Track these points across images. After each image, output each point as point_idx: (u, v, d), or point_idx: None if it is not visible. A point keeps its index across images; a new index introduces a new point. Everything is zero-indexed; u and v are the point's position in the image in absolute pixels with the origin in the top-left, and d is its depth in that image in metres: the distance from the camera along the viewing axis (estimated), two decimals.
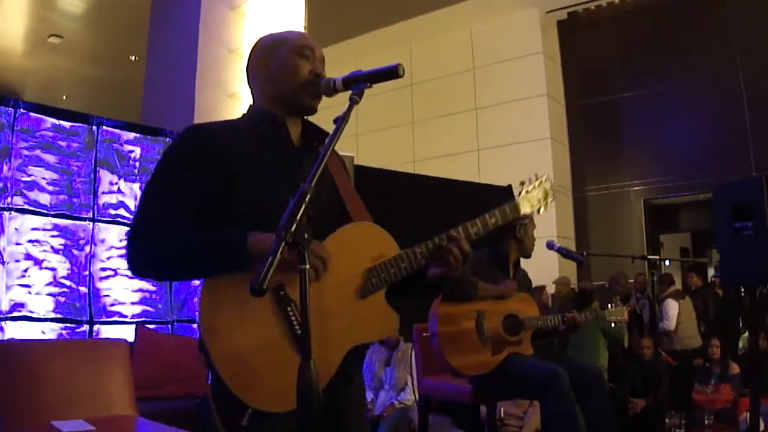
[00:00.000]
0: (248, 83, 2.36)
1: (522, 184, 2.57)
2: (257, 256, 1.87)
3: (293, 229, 1.61)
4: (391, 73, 1.92)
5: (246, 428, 1.92)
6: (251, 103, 2.34)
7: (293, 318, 1.96)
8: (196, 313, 1.94)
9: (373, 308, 2.16)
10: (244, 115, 2.31)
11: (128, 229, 2.06)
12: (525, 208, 2.52)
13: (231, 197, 2.05)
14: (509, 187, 2.77)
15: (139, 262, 2.03)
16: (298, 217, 1.62)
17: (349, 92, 1.97)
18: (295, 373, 1.66)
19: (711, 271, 13.48)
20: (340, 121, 1.88)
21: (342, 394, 2.10)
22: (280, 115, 2.23)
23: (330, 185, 2.29)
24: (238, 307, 1.92)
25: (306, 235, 1.64)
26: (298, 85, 2.21)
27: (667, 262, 13.18)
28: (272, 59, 2.25)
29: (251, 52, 2.35)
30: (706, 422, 7.24)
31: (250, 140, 2.17)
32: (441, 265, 2.24)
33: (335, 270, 2.07)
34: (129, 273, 5.69)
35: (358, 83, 1.95)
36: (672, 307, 9.33)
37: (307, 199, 1.65)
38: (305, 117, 2.32)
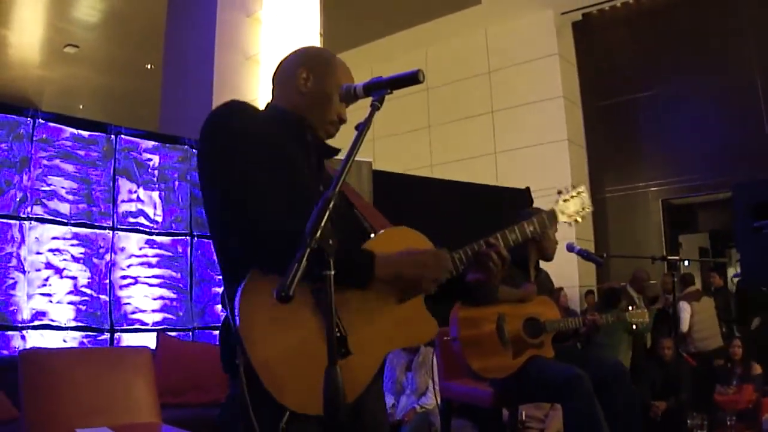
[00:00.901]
0: (274, 80, 2.34)
1: (559, 193, 2.61)
2: (383, 276, 1.94)
3: (318, 235, 1.61)
4: (412, 79, 1.91)
5: (284, 430, 1.91)
6: (269, 101, 2.33)
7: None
8: (233, 317, 1.92)
9: (413, 313, 2.16)
10: (262, 111, 2.28)
11: (230, 219, 1.96)
12: (562, 218, 2.59)
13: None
14: (527, 189, 2.82)
15: (268, 254, 1.93)
16: (323, 224, 1.62)
17: (370, 98, 1.95)
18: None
19: (731, 271, 13.45)
20: (362, 128, 1.87)
21: (365, 398, 2.07)
22: (305, 119, 2.24)
23: (345, 203, 2.29)
24: (276, 310, 1.87)
25: (330, 242, 1.64)
26: (326, 120, 2.26)
27: (686, 263, 13.14)
28: (316, 80, 2.25)
29: (296, 56, 2.34)
30: (728, 423, 7.20)
31: (282, 134, 2.15)
32: (480, 271, 2.27)
33: None
34: (149, 281, 5.76)
35: (378, 90, 1.94)
36: (683, 309, 9.29)
37: (331, 205, 1.65)
38: None
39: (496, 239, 2.30)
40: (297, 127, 2.22)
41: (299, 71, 2.26)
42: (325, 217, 1.63)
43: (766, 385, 7.40)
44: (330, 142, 2.34)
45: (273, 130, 2.12)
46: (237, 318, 1.90)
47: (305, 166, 2.17)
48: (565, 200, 2.61)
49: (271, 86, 2.37)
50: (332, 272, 1.66)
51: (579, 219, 2.62)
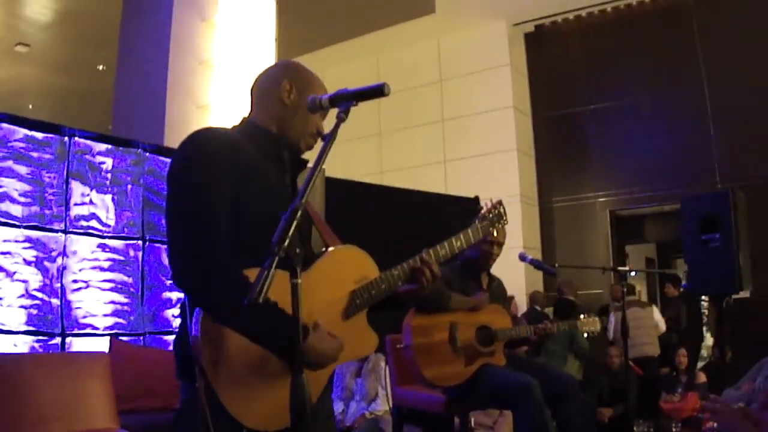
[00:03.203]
0: (255, 91, 2.41)
1: (481, 208, 2.82)
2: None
3: (286, 244, 1.65)
4: (377, 91, 1.98)
5: None
6: (246, 116, 2.39)
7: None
8: (194, 331, 1.96)
9: (356, 328, 2.30)
10: (236, 127, 2.35)
11: (172, 250, 2.04)
12: (483, 232, 2.77)
13: (242, 210, 2.08)
14: (476, 198, 2.95)
15: (197, 299, 2.01)
16: (290, 233, 1.66)
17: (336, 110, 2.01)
18: (286, 393, 1.72)
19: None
20: (328, 138, 1.93)
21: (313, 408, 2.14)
22: (282, 138, 2.31)
23: (306, 216, 2.34)
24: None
25: (297, 250, 1.68)
26: (306, 132, 2.35)
27: (633, 273, 13.31)
28: (298, 93, 2.33)
29: (278, 69, 2.42)
30: (673, 430, 7.33)
31: (257, 155, 2.21)
32: (412, 283, 2.41)
33: (323, 292, 2.19)
34: (101, 285, 5.72)
35: (344, 102, 1.99)
36: (610, 320, 9.54)
37: (298, 215, 1.69)
38: None
39: (429, 255, 2.45)
40: (273, 146, 2.29)
41: (283, 83, 2.34)
42: (293, 227, 1.67)
43: (710, 393, 7.53)
44: None
45: (246, 151, 2.18)
46: (196, 330, 1.96)
47: (280, 184, 2.25)
48: (484, 216, 2.85)
49: (250, 98, 2.42)
50: (299, 281, 1.70)
51: (496, 232, 2.84)
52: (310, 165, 2.00)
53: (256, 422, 2.00)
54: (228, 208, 2.05)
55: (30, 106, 16.41)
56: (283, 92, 2.32)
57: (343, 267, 2.30)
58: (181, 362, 2.09)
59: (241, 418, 1.97)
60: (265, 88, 2.38)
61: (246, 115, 2.42)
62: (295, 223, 1.68)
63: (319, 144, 2.01)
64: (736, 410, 2.85)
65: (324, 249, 2.32)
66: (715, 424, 3.07)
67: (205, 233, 1.99)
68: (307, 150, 2.39)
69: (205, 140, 2.15)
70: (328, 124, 2.08)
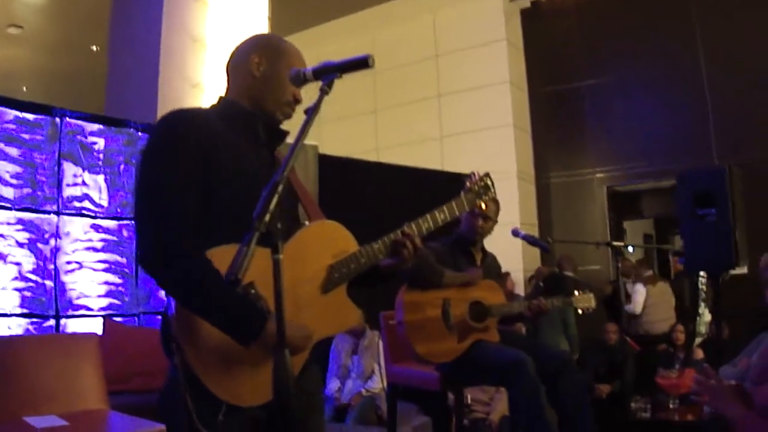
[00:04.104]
0: (228, 68, 2.39)
1: (468, 178, 2.74)
2: (264, 339, 1.94)
3: (267, 219, 1.63)
4: (362, 63, 1.94)
5: (221, 422, 1.99)
6: (222, 94, 2.36)
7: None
8: (171, 309, 1.97)
9: (336, 302, 2.27)
10: (213, 106, 2.33)
11: (136, 229, 2.05)
12: (470, 204, 2.71)
13: (215, 188, 2.07)
14: (472, 174, 2.88)
15: (157, 278, 2.03)
16: (271, 208, 1.64)
17: (319, 83, 1.97)
18: (266, 368, 1.71)
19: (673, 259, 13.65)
20: (311, 112, 1.89)
21: (297, 384, 2.13)
22: (256, 113, 2.28)
23: (290, 189, 2.35)
24: None
25: (279, 225, 1.66)
26: (281, 102, 2.31)
27: (630, 249, 13.30)
28: (268, 64, 2.30)
29: (248, 43, 2.39)
30: (670, 406, 7.33)
31: (229, 132, 2.19)
32: (393, 257, 2.39)
33: (301, 267, 2.18)
34: (94, 266, 5.71)
35: (328, 74, 1.95)
36: (638, 292, 9.46)
37: (279, 189, 1.67)
38: None
39: (411, 228, 2.41)
40: (247, 122, 2.27)
41: (252, 56, 2.31)
42: (274, 201, 1.65)
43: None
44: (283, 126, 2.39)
45: (218, 130, 2.17)
46: (173, 307, 2.00)
47: (258, 160, 2.23)
48: (470, 188, 2.76)
49: (225, 75, 2.40)
50: (281, 256, 1.68)
51: (484, 205, 2.76)
52: (291, 137, 1.96)
53: (237, 397, 2.00)
54: (194, 189, 2.04)
55: (24, 89, 16.34)
56: (252, 65, 2.30)
57: (321, 241, 2.28)
58: (164, 340, 2.08)
59: (221, 394, 1.97)
60: (236, 63, 2.37)
61: (223, 93, 2.40)
62: (276, 197, 1.66)
63: (301, 117, 1.97)
64: (728, 387, 2.84)
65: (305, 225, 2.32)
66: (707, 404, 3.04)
67: (165, 213, 2.00)
68: (285, 119, 2.36)
69: (173, 121, 2.14)
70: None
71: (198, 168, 2.05)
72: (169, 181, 2.03)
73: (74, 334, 5.45)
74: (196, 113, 2.22)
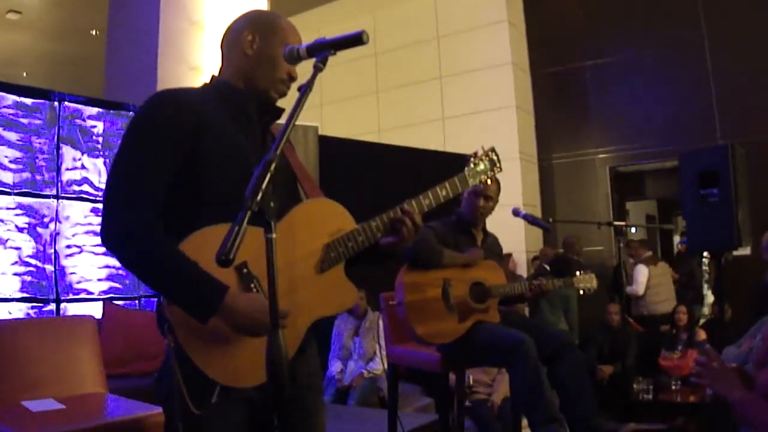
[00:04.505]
0: (222, 46, 2.34)
1: (472, 156, 2.65)
2: (224, 314, 1.91)
3: (259, 198, 1.60)
4: (356, 40, 1.90)
5: (215, 404, 1.97)
6: (214, 73, 2.32)
7: (258, 293, 2.00)
8: None
9: (333, 282, 2.22)
10: (205, 84, 2.29)
11: (102, 206, 2.01)
12: (472, 181, 2.61)
13: (202, 168, 2.04)
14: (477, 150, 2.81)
15: (116, 256, 1.99)
16: (263, 186, 1.61)
17: (313, 60, 1.94)
18: (260, 349, 1.68)
19: (676, 238, 13.66)
20: (304, 89, 1.86)
21: (294, 364, 2.11)
22: (247, 92, 2.24)
23: (283, 159, 2.29)
24: None
25: (272, 204, 1.63)
26: (275, 80, 2.25)
27: (633, 229, 13.29)
28: (261, 41, 2.25)
29: (241, 20, 2.33)
30: (673, 387, 7.33)
31: (218, 112, 2.15)
32: (393, 236, 2.32)
33: (296, 246, 2.13)
34: (95, 249, 5.69)
35: (322, 51, 1.92)
36: (640, 272, 9.46)
37: (272, 167, 1.64)
38: None
39: (411, 206, 2.34)
40: (238, 101, 2.23)
41: (245, 34, 2.25)
42: (266, 180, 1.62)
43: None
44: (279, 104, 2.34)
45: (207, 109, 2.13)
46: None
47: (249, 139, 2.19)
48: (475, 164, 2.65)
49: (219, 53, 2.36)
50: (273, 236, 1.65)
51: (489, 180, 2.67)
52: (286, 115, 1.93)
53: (230, 379, 1.98)
54: (168, 169, 2.01)
55: (24, 74, 16.32)
56: (245, 43, 2.24)
57: (317, 219, 2.23)
58: (159, 321, 2.06)
59: (214, 375, 1.95)
60: (229, 41, 2.31)
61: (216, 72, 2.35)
62: (268, 176, 1.63)
63: (296, 95, 1.94)
64: (730, 370, 2.81)
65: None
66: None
67: (129, 194, 1.97)
68: (280, 98, 2.31)
69: (153, 101, 2.11)
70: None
71: (177, 147, 2.02)
72: (140, 161, 2.00)
73: (72, 317, 5.42)
74: (184, 92, 2.17)
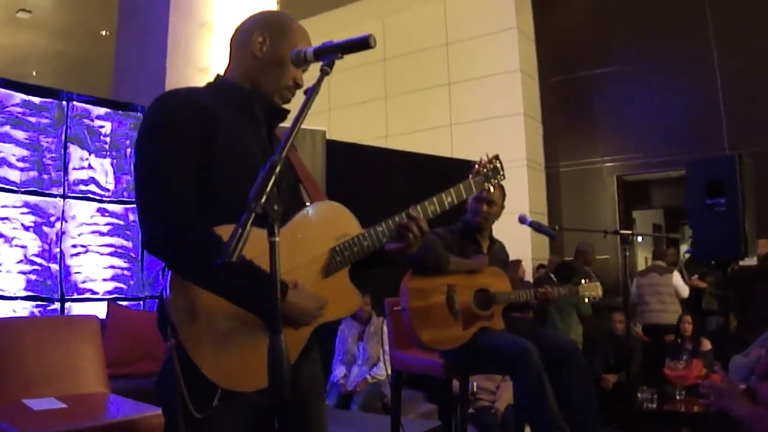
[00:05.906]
0: (233, 43, 2.30)
1: (478, 163, 2.68)
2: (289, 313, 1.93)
3: (263, 200, 1.58)
4: (363, 44, 1.87)
5: (216, 407, 1.96)
6: (220, 73, 2.30)
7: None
8: (167, 292, 1.93)
9: (337, 286, 2.21)
10: (210, 84, 2.27)
11: (138, 213, 1.98)
12: (478, 187, 2.64)
13: (211, 168, 2.01)
14: (481, 158, 2.83)
15: (169, 264, 1.97)
16: (268, 189, 1.60)
17: (320, 64, 1.92)
18: (262, 352, 1.66)
19: (683, 247, 13.62)
20: (311, 93, 1.84)
21: (297, 369, 2.10)
22: (254, 93, 2.22)
23: (291, 170, 2.30)
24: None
25: (276, 207, 1.62)
26: (281, 85, 2.24)
27: (639, 238, 13.26)
28: (272, 44, 2.22)
29: (253, 20, 2.30)
30: (677, 397, 7.29)
31: (227, 112, 2.12)
32: (399, 241, 2.31)
33: (301, 250, 2.12)
34: (100, 249, 5.69)
35: (329, 54, 1.89)
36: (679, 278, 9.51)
37: (277, 170, 1.62)
38: None
39: (417, 211, 2.34)
40: (244, 101, 2.20)
41: (255, 35, 2.22)
42: (271, 182, 1.61)
43: (715, 360, 7.49)
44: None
45: (214, 109, 2.10)
46: (168, 290, 1.94)
47: (255, 140, 2.16)
48: (479, 171, 2.69)
49: (228, 51, 2.33)
50: (277, 239, 1.64)
51: (492, 187, 2.70)
52: (292, 117, 1.92)
53: (233, 382, 1.96)
54: (194, 167, 1.98)
55: (34, 73, 16.36)
56: (255, 45, 2.21)
57: (323, 223, 2.21)
58: (160, 323, 2.05)
59: (216, 378, 1.93)
60: (238, 41, 2.28)
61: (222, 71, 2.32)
62: (273, 178, 1.61)
63: (303, 98, 1.92)
64: (739, 391, 2.80)
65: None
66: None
67: (167, 193, 1.93)
68: (284, 103, 2.29)
69: (166, 101, 2.07)
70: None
71: (196, 147, 1.99)
72: (168, 162, 1.96)
73: (75, 317, 5.43)
74: (190, 92, 2.14)
